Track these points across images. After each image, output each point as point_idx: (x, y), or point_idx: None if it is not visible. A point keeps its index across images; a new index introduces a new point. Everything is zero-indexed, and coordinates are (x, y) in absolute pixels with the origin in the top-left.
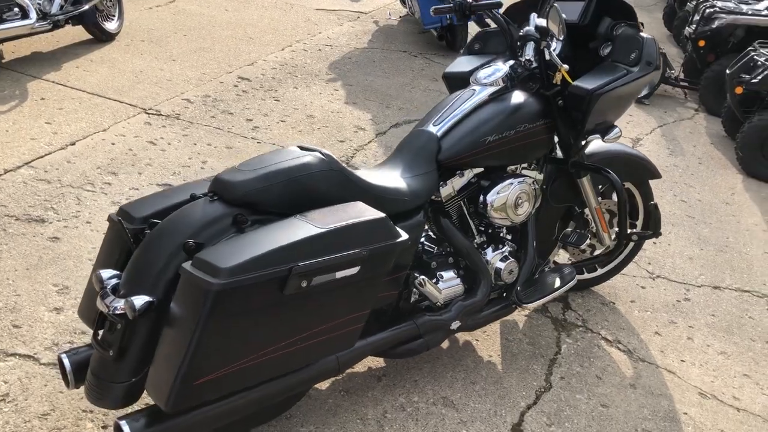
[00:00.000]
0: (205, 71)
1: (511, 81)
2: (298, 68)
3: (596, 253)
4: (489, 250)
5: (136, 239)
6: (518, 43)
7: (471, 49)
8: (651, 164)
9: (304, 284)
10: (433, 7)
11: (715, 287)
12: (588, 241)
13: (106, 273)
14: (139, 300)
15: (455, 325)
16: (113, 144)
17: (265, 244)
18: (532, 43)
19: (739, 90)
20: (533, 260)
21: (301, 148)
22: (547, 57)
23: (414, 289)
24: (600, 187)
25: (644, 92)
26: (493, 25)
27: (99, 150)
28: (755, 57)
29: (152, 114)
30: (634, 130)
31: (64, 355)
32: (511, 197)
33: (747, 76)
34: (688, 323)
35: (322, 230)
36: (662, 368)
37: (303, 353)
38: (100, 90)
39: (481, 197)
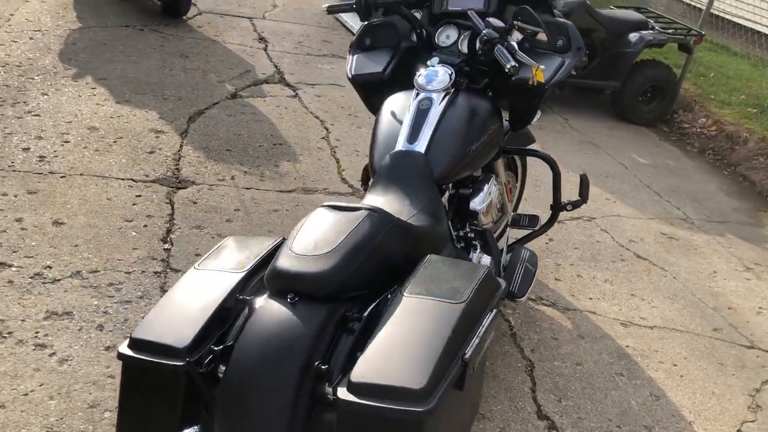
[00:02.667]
0: None
1: (456, 82)
2: (26, 68)
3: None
4: (472, 256)
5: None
6: (459, 40)
7: (362, 45)
8: (528, 131)
9: (471, 371)
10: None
11: (558, 221)
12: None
13: None
14: None
15: None
16: None
17: (421, 341)
18: (489, 41)
19: None
20: (499, 252)
21: (334, 207)
22: (517, 56)
23: None
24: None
25: None
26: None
27: None
28: None
29: None
30: None
31: None
32: (495, 198)
33: None
34: (568, 262)
35: (462, 303)
36: (585, 311)
37: None
38: None
39: (471, 206)
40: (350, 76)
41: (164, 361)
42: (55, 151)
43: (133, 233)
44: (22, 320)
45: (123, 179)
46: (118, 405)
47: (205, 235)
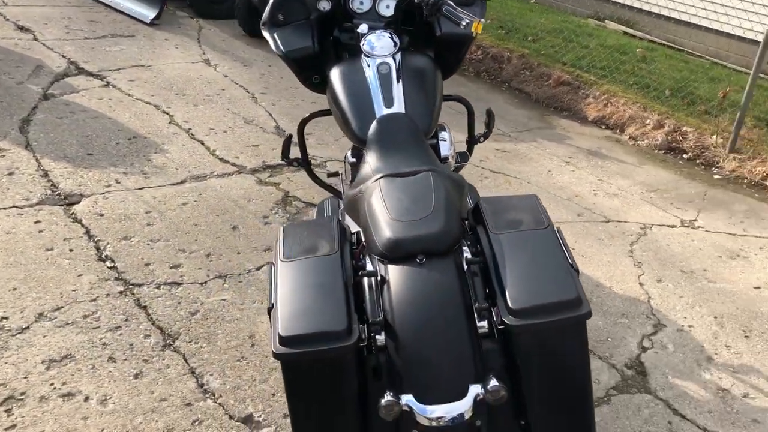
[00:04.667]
0: None
1: (399, 45)
2: None
3: None
4: None
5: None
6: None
7: (275, 21)
8: None
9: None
10: None
11: None
12: None
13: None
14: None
15: None
16: None
17: (546, 263)
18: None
19: None
20: None
21: (395, 175)
22: (461, 13)
23: None
24: None
25: (152, 15)
26: None
27: None
28: None
29: None
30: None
31: None
32: (454, 147)
33: None
34: None
35: (549, 228)
36: None
37: None
38: None
39: (441, 154)
40: (282, 53)
41: (334, 346)
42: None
43: (65, 260)
44: (25, 377)
45: (5, 208)
46: (289, 405)
47: (137, 243)
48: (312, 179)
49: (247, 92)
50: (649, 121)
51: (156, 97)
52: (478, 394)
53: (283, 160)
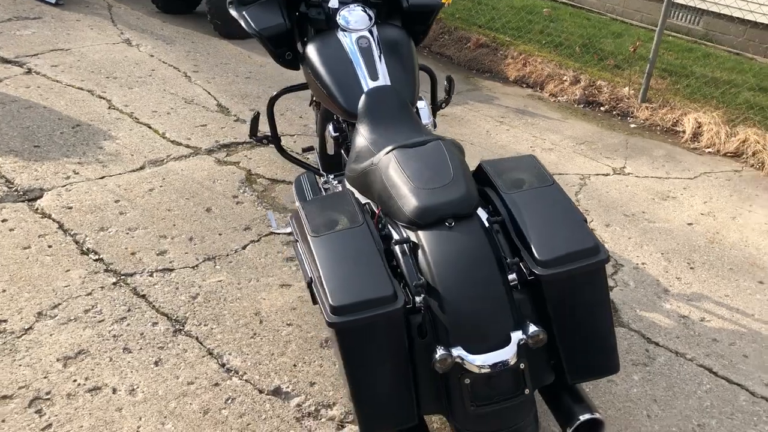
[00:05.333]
0: None
1: (372, 17)
2: None
3: None
4: None
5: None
6: None
7: (242, 0)
8: None
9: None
10: None
11: None
12: None
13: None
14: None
15: None
16: None
17: (560, 218)
18: None
19: None
20: None
21: (407, 146)
22: None
23: None
24: None
25: None
26: None
27: None
28: None
29: None
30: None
31: None
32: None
33: None
34: None
35: (554, 184)
36: None
37: None
38: None
39: (422, 121)
40: (256, 32)
41: (385, 310)
42: None
43: (47, 257)
44: (45, 377)
45: None
46: (346, 370)
47: (117, 233)
48: (283, 156)
49: (179, 71)
50: (565, 77)
51: (87, 82)
52: (520, 339)
53: (251, 138)
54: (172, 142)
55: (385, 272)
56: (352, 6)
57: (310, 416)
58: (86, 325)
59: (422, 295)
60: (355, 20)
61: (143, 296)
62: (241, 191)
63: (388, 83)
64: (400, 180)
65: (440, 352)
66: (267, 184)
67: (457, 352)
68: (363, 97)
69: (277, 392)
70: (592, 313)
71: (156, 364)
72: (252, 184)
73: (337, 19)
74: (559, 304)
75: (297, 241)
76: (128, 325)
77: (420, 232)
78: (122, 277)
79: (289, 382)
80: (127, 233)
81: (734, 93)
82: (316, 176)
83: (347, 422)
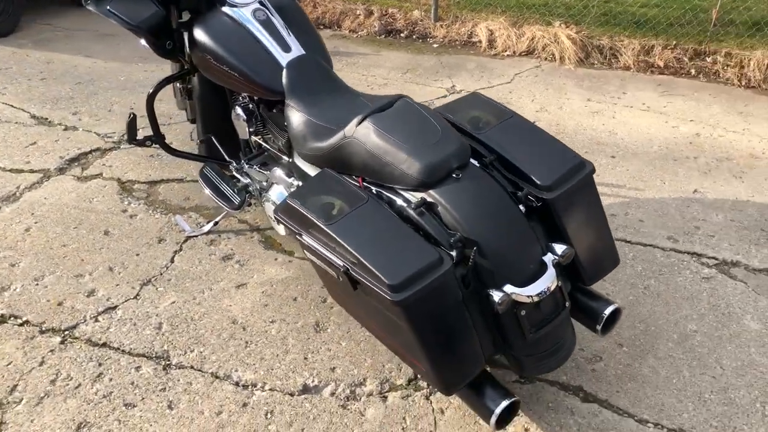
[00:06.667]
0: None
1: None
2: None
3: None
4: None
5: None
6: None
7: None
8: None
9: None
10: None
11: None
12: None
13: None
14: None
15: None
16: None
17: (544, 141)
18: None
19: None
20: None
21: (378, 110)
22: None
23: None
24: None
25: None
26: None
27: None
28: None
29: None
30: None
31: None
32: None
33: None
34: None
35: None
36: None
37: None
38: None
39: None
40: (135, 25)
41: (440, 274)
42: None
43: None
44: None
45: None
46: (419, 340)
47: (24, 288)
48: (172, 154)
49: None
50: (359, 12)
51: None
52: (553, 261)
53: (131, 143)
54: (11, 171)
55: (419, 238)
56: None
57: (350, 399)
58: (65, 396)
59: (458, 248)
60: None
61: (105, 344)
62: (126, 203)
63: (303, 52)
64: (391, 145)
65: (498, 294)
66: (147, 188)
67: (510, 289)
68: (285, 72)
69: (306, 389)
70: (594, 218)
71: (170, 407)
72: (132, 193)
73: None
74: (569, 219)
75: (300, 234)
76: (111, 380)
77: (432, 191)
78: (66, 332)
79: (311, 375)
80: (36, 285)
81: None
82: (220, 166)
83: (386, 392)
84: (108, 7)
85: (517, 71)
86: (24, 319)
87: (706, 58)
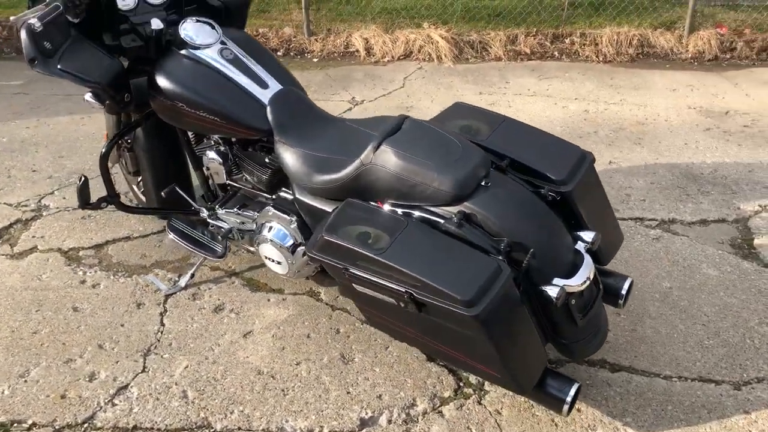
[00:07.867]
0: None
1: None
2: None
3: None
4: None
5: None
6: None
7: (46, 52)
8: None
9: None
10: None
11: None
12: None
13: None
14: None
15: None
16: None
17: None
18: None
19: None
20: None
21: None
22: None
23: None
24: None
25: None
26: None
27: None
28: None
29: None
30: None
31: None
32: None
33: None
34: None
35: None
36: None
37: None
38: None
39: None
40: (97, 82)
41: (504, 280)
42: None
43: None
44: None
45: None
46: (498, 348)
47: (14, 389)
48: (131, 212)
49: None
50: None
51: None
52: (585, 246)
53: (85, 207)
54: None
55: (473, 250)
56: (189, 21)
57: (408, 422)
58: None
59: (506, 253)
60: (198, 34)
61: (136, 428)
62: (82, 273)
63: (281, 87)
64: (417, 166)
65: (554, 290)
66: (95, 254)
67: (561, 282)
68: (270, 109)
69: (364, 423)
70: (601, 201)
71: None
72: (81, 262)
73: (183, 37)
74: (585, 206)
75: (346, 269)
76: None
77: (467, 203)
78: (85, 425)
79: (361, 408)
80: (25, 382)
81: (366, 4)
82: (190, 216)
83: (439, 407)
84: (59, 67)
85: (404, 75)
86: (30, 422)
87: (565, 40)
